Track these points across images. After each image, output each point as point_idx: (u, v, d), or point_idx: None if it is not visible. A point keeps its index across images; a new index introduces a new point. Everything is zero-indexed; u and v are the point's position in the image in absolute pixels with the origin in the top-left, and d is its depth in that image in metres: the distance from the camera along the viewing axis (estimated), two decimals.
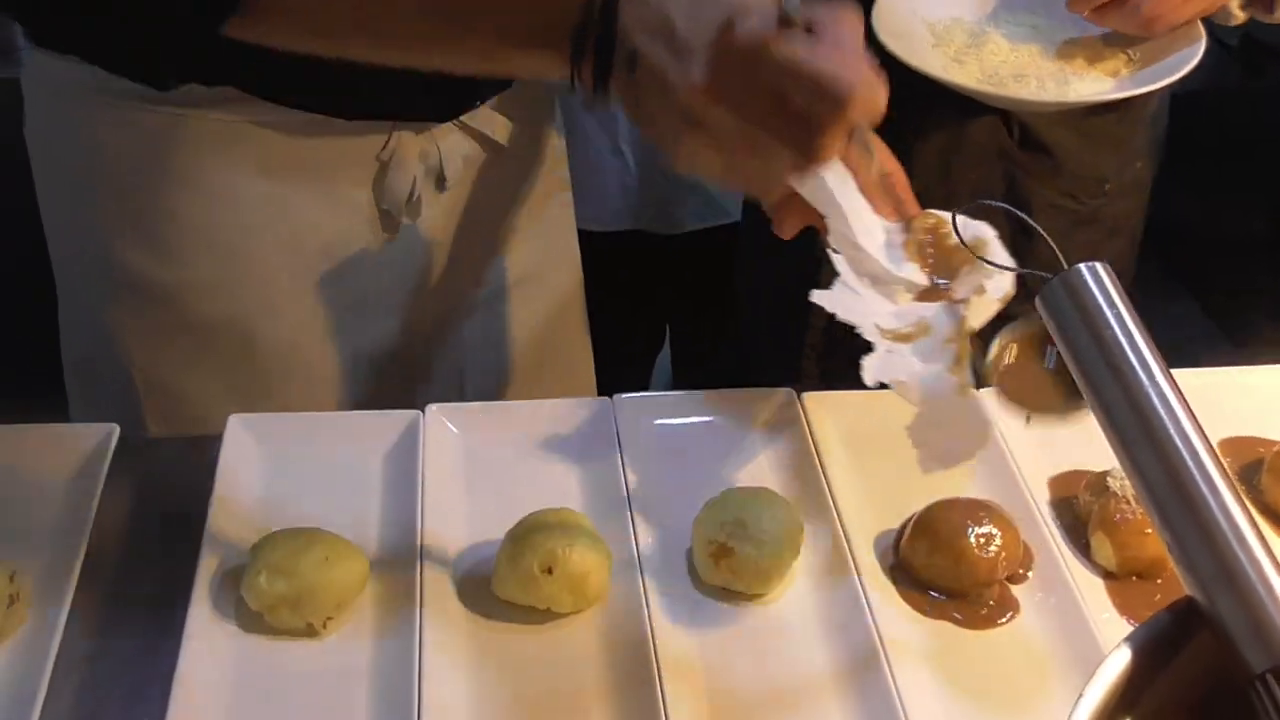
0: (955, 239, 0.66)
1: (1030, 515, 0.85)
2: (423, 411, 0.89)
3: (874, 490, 0.87)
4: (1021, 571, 0.82)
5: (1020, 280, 0.68)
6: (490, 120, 1.02)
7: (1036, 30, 1.10)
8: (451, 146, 1.00)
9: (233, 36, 0.73)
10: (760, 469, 0.89)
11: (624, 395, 0.92)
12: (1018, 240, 0.72)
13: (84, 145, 0.95)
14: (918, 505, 0.84)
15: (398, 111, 0.97)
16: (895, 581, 0.82)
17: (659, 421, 0.91)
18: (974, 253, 0.64)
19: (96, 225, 0.97)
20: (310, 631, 0.75)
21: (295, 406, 0.96)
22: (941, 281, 0.71)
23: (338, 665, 0.74)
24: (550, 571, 0.76)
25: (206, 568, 0.77)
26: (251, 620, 0.75)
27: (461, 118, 1.00)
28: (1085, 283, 0.46)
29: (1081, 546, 0.85)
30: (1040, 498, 0.88)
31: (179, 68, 0.86)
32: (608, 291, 2.02)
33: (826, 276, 0.72)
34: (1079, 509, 0.87)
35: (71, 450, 0.85)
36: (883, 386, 0.71)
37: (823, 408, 0.92)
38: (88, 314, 1.01)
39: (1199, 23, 1.06)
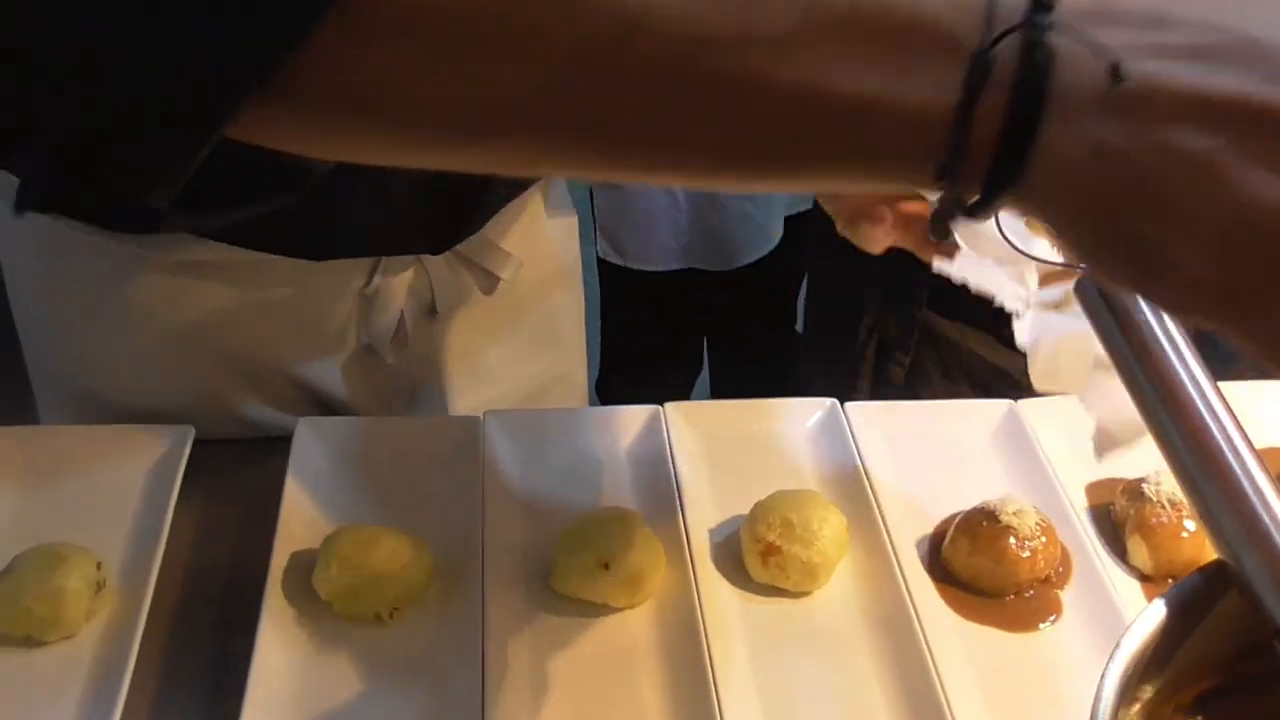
0: None
1: (1068, 520, 0.88)
2: (482, 418, 0.93)
3: (916, 495, 0.90)
4: (1060, 573, 0.85)
5: None
6: (487, 249, 0.95)
7: None
8: (444, 279, 0.95)
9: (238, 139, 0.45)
10: (806, 474, 0.92)
11: (674, 403, 0.96)
12: None
13: (51, 279, 0.91)
14: (959, 509, 0.87)
15: (381, 247, 0.91)
16: (937, 581, 0.84)
17: (708, 428, 0.95)
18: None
19: (63, 355, 0.94)
20: (378, 621, 0.79)
21: None
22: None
23: (404, 653, 0.77)
24: (607, 567, 0.79)
25: (279, 559, 0.81)
26: (321, 610, 0.79)
27: (457, 249, 0.93)
28: None
29: (1118, 550, 0.87)
30: (1078, 504, 0.90)
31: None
32: (651, 321, 2.06)
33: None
34: (1115, 514, 0.89)
35: (150, 450, 0.89)
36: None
37: (865, 417, 0.96)
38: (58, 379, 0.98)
39: None
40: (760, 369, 2.13)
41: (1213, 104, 0.37)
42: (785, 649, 0.79)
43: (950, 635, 0.80)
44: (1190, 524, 0.85)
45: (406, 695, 0.75)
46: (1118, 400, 0.60)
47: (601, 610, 0.80)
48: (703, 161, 0.43)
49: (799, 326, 1.85)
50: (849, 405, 0.96)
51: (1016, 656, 0.80)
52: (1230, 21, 0.38)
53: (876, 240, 0.71)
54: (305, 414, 0.93)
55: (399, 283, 0.92)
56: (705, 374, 2.20)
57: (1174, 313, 0.42)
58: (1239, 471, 0.45)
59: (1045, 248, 0.64)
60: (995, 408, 0.98)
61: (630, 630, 0.80)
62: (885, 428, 0.96)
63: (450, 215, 0.90)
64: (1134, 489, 0.88)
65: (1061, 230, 0.40)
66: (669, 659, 0.78)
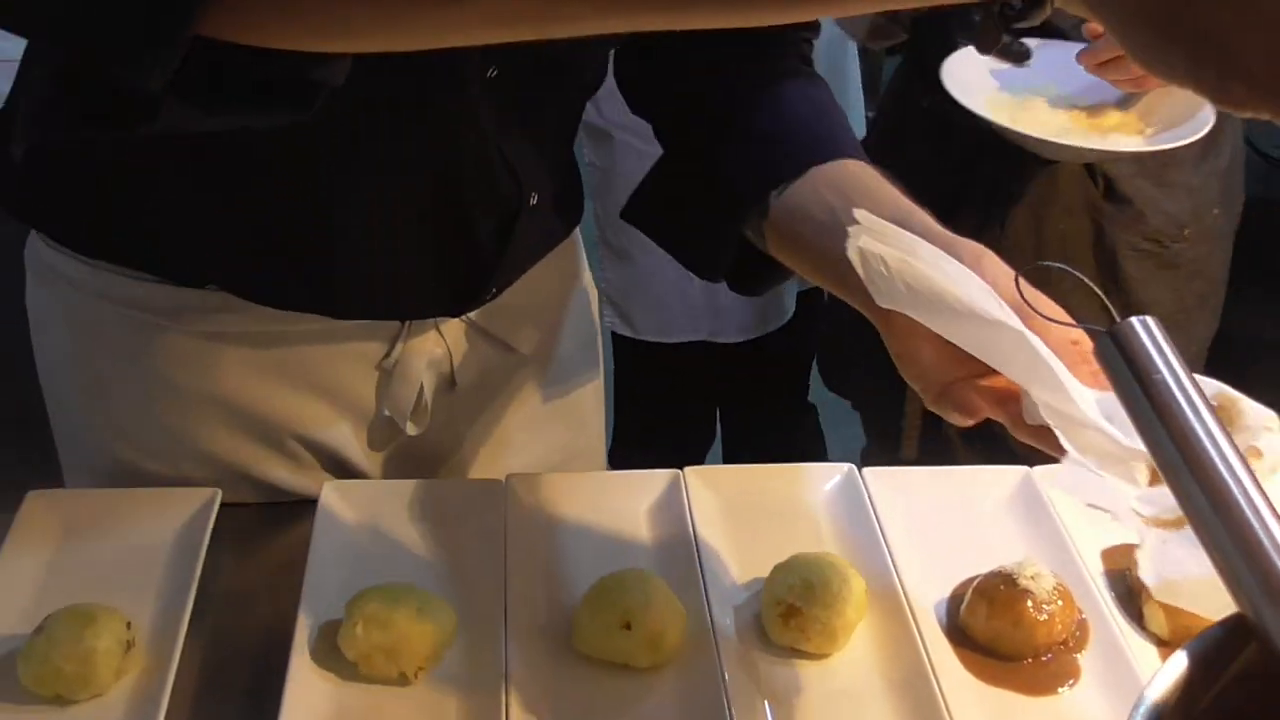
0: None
1: (1084, 584, 0.88)
2: (504, 481, 0.95)
3: (933, 559, 0.91)
4: (1078, 637, 0.86)
5: None
6: (507, 323, 0.98)
7: (1070, 99, 1.33)
8: (464, 352, 0.96)
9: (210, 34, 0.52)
10: (824, 537, 0.93)
11: (693, 468, 0.97)
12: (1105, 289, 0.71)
13: (78, 346, 0.93)
14: (976, 573, 0.88)
15: (402, 309, 0.92)
16: (955, 644, 0.85)
17: (727, 492, 0.96)
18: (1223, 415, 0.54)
19: (87, 420, 0.96)
20: (403, 680, 0.79)
21: None
22: None
23: (429, 712, 0.78)
24: (629, 627, 0.80)
25: (305, 620, 0.82)
26: (347, 669, 0.80)
27: (474, 317, 0.95)
28: (1135, 334, 0.51)
29: (1135, 616, 0.88)
30: (1094, 569, 0.91)
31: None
32: (663, 392, 2.08)
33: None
34: (1131, 580, 0.90)
35: (177, 512, 0.90)
36: None
37: (882, 482, 0.97)
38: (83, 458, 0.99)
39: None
40: (773, 439, 2.14)
41: None
42: (806, 710, 0.80)
43: (969, 698, 0.81)
44: (1110, 514, 0.86)
45: None
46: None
47: (623, 671, 0.81)
48: None
49: (810, 397, 1.88)
50: (866, 471, 0.98)
51: (1037, 718, 0.81)
52: None
53: (964, 419, 0.70)
54: (327, 480, 0.94)
55: (419, 355, 0.94)
56: (718, 445, 2.21)
57: (1236, 106, 0.42)
58: (1257, 527, 0.46)
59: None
60: (1011, 474, 0.99)
61: (652, 691, 0.80)
62: (902, 493, 0.97)
63: (470, 276, 0.92)
64: None
65: (1119, 29, 0.42)
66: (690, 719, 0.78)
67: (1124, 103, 1.33)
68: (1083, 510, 0.96)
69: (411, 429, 0.96)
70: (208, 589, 0.85)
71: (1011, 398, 0.67)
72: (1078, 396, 0.60)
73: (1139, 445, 0.57)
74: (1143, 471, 0.62)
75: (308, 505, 0.92)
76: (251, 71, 0.55)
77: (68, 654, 0.76)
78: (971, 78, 1.31)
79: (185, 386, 0.92)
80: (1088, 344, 0.62)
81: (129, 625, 0.79)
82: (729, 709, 0.78)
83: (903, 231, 0.67)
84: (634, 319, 1.98)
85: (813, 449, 2.18)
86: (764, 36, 0.89)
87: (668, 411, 2.13)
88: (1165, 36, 0.41)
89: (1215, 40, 0.40)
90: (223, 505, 0.91)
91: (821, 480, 0.98)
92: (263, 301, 0.88)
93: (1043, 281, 0.60)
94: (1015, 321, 0.61)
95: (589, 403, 1.11)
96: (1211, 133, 1.27)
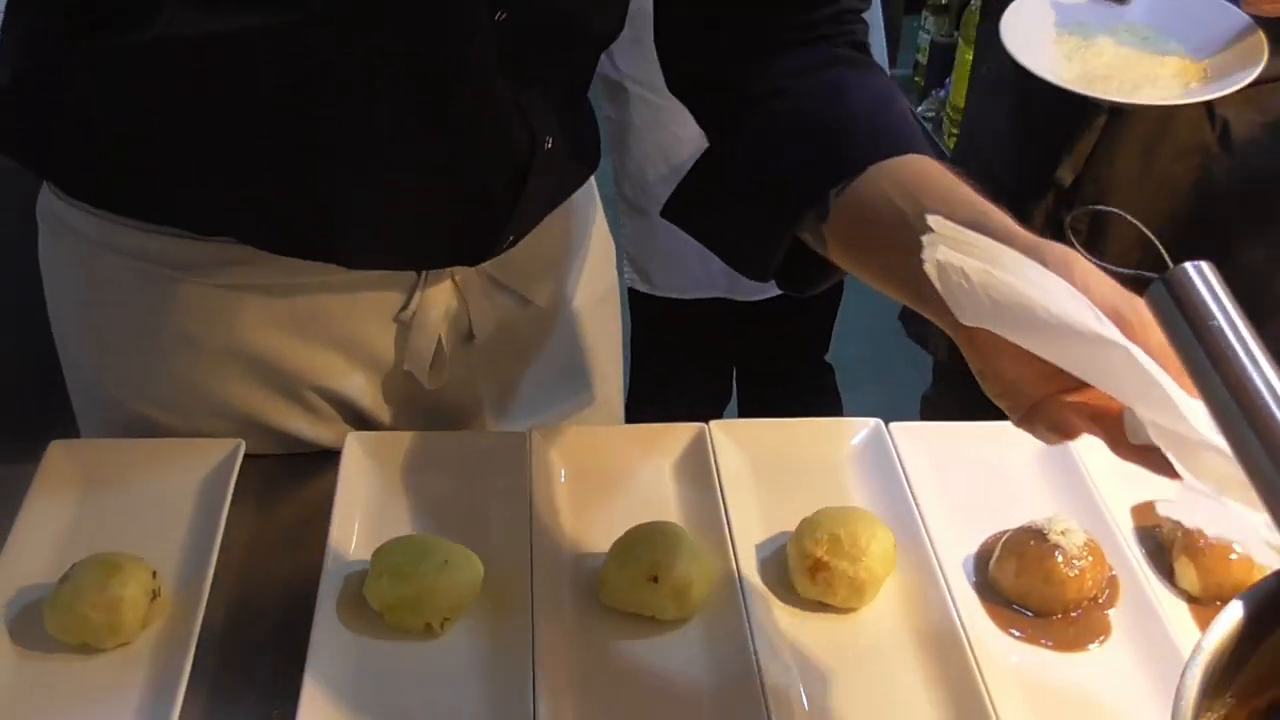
0: None
1: (1115, 541, 0.88)
2: (528, 433, 0.94)
3: (961, 514, 0.90)
4: (1108, 594, 0.85)
5: None
6: (523, 274, 0.97)
7: (1144, 40, 1.28)
8: (480, 304, 0.95)
9: None
10: (851, 492, 0.92)
11: (719, 421, 0.96)
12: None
13: (90, 304, 0.93)
14: (1004, 528, 0.87)
15: (423, 258, 0.91)
16: (984, 600, 0.84)
17: (753, 447, 0.95)
18: None
19: (100, 375, 0.95)
20: (429, 632, 0.79)
21: None
22: None
23: (455, 663, 0.78)
24: (656, 580, 0.80)
25: (330, 570, 0.82)
26: (373, 620, 0.80)
27: (490, 269, 0.94)
28: (1190, 280, 0.49)
29: (1165, 572, 0.87)
30: (1124, 526, 0.90)
31: None
32: (680, 350, 2.07)
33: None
34: (1161, 536, 0.89)
35: (201, 462, 0.90)
36: None
37: (910, 437, 0.96)
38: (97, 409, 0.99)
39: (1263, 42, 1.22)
40: (790, 399, 2.13)
41: None
42: (833, 664, 0.80)
43: (998, 654, 0.80)
44: (1239, 546, 0.85)
45: (458, 704, 0.75)
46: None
47: (650, 623, 0.81)
48: None
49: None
50: (894, 425, 0.97)
51: (1066, 676, 0.80)
52: None
53: (1054, 437, 0.63)
54: (347, 431, 0.94)
55: (436, 307, 0.93)
56: (734, 405, 2.20)
57: None
58: None
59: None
60: None
61: (678, 643, 0.80)
62: (930, 448, 0.96)
63: (484, 224, 0.91)
64: None
65: None
66: (717, 673, 0.78)
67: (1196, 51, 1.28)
68: (1112, 467, 0.94)
69: (429, 382, 0.96)
70: (231, 539, 0.85)
71: (1110, 414, 0.60)
72: (1190, 415, 0.54)
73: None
74: None
75: (329, 457, 0.92)
76: None
77: (94, 602, 0.76)
78: (1031, 32, 1.26)
79: (200, 339, 0.91)
80: None
81: (154, 574, 0.79)
82: (756, 661, 0.77)
83: (982, 238, 0.61)
84: (651, 275, 1.96)
85: (830, 409, 2.17)
86: (814, 18, 0.83)
87: (684, 369, 2.12)
88: None
89: None
90: (246, 457, 0.90)
91: (848, 435, 0.97)
92: (276, 251, 0.87)
93: (1102, 228, 0.58)
94: (1115, 334, 0.56)
95: (607, 357, 1.10)
96: None
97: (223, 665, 0.78)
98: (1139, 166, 1.30)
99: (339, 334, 0.92)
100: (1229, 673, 0.44)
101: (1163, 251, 0.51)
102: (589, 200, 1.05)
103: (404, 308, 0.92)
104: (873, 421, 0.97)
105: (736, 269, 0.84)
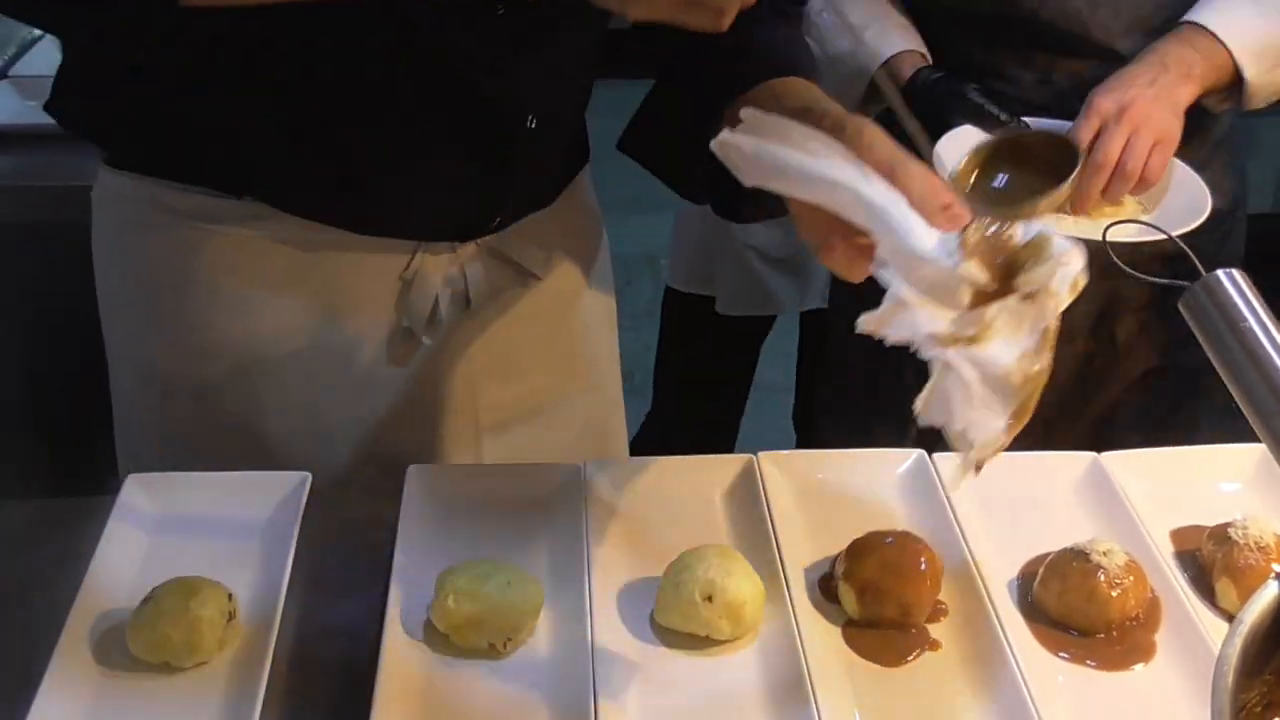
0: (1016, 240, 0.65)
1: (1155, 563, 0.90)
2: (583, 466, 0.98)
3: (1005, 539, 0.93)
4: (1151, 614, 0.87)
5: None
6: (520, 246, 1.03)
7: None
8: (477, 270, 1.01)
9: None
10: (897, 518, 0.95)
11: (767, 453, 0.99)
12: None
13: (132, 256, 1.02)
14: (1046, 550, 0.89)
15: (419, 230, 0.98)
16: (1029, 620, 0.87)
17: (800, 476, 0.98)
18: (1034, 251, 0.65)
19: (138, 329, 1.03)
20: (492, 651, 0.82)
21: None
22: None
23: (518, 681, 0.81)
24: (711, 599, 0.82)
25: (397, 593, 0.85)
26: (438, 641, 0.83)
27: (489, 240, 1.01)
28: (1223, 286, 0.53)
29: (1206, 594, 0.89)
30: (1164, 550, 0.93)
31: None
32: (696, 363, 2.14)
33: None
34: (1202, 559, 0.91)
35: (270, 492, 0.94)
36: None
37: (952, 466, 0.99)
38: (134, 411, 1.06)
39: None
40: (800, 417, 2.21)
41: None
42: (884, 681, 0.82)
43: (1045, 672, 0.83)
44: (1278, 565, 0.87)
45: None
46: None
47: (705, 643, 0.83)
48: None
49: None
50: (937, 455, 1.00)
51: (1112, 695, 0.82)
52: None
53: (841, 259, 0.76)
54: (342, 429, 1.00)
55: (435, 270, 1.00)
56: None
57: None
58: None
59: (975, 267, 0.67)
60: (1080, 459, 1.01)
61: (733, 662, 0.83)
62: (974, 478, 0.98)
63: (479, 206, 0.99)
64: (1220, 533, 0.90)
65: None
66: (771, 689, 0.81)
67: None
68: (1152, 494, 0.97)
69: (427, 337, 1.01)
70: (300, 564, 0.88)
71: (871, 249, 0.73)
72: (916, 233, 0.68)
73: (966, 273, 0.67)
74: (966, 294, 0.68)
75: (394, 488, 0.95)
76: None
77: (175, 622, 0.79)
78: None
79: (222, 284, 0.98)
80: (943, 188, 0.71)
81: (230, 596, 0.83)
82: (809, 678, 0.80)
83: (779, 120, 0.74)
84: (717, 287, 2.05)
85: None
86: None
87: (699, 379, 2.21)
88: None
89: None
90: (313, 486, 0.94)
91: (894, 465, 1.00)
92: (291, 210, 0.96)
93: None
94: (856, 176, 0.71)
95: (602, 334, 1.15)
96: None
97: (295, 683, 0.81)
98: None
99: (346, 288, 0.99)
100: (1266, 651, 0.47)
101: (1195, 262, 0.54)
102: (584, 178, 1.13)
103: (405, 268, 0.99)
104: (916, 452, 1.00)
105: (675, 188, 1.02)
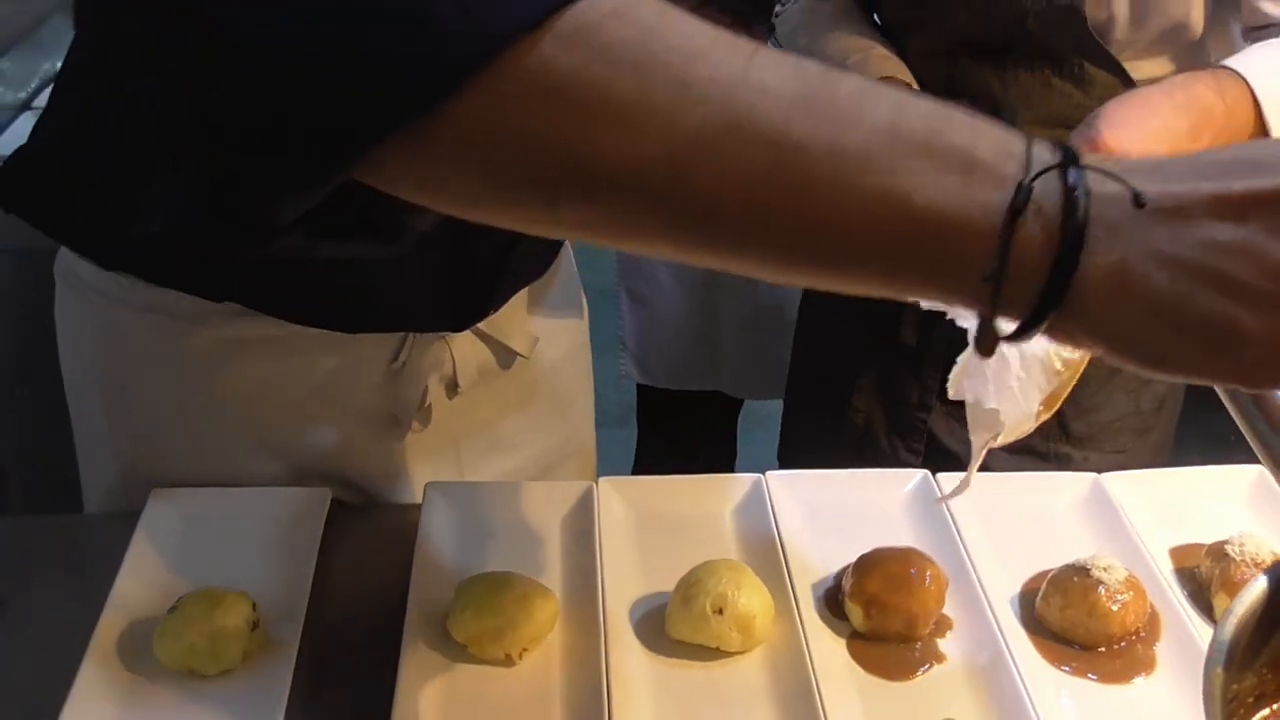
0: None
1: (1155, 580, 0.92)
2: (595, 484, 1.00)
3: (1007, 556, 0.95)
4: (1151, 629, 0.89)
5: None
6: (507, 327, 1.02)
7: None
8: (466, 355, 1.00)
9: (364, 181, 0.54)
10: (902, 536, 0.97)
11: (775, 473, 1.02)
12: None
13: (104, 345, 0.98)
14: (1047, 566, 0.92)
15: (409, 324, 0.97)
16: (1031, 634, 0.89)
17: (807, 495, 1.01)
18: None
19: (109, 418, 0.99)
20: (508, 661, 0.84)
21: None
22: None
23: (533, 691, 0.83)
24: (721, 612, 0.85)
25: (415, 606, 0.88)
26: (455, 651, 0.85)
27: (480, 325, 1.00)
28: None
29: (1204, 609, 0.91)
30: (1163, 568, 0.95)
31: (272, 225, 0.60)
32: (682, 442, 2.12)
33: None
34: (1200, 576, 0.94)
35: (292, 508, 0.96)
36: None
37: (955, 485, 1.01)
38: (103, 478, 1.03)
39: None
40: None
41: (1232, 199, 0.46)
42: (890, 692, 0.84)
43: (1048, 684, 0.85)
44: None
45: None
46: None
47: (715, 655, 0.86)
48: (783, 248, 0.51)
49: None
50: (940, 475, 1.02)
51: (1114, 708, 0.84)
52: (1222, 156, 0.48)
53: None
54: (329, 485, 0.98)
55: (425, 359, 0.99)
56: None
57: (1256, 385, 0.48)
58: None
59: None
60: (1081, 480, 1.03)
61: (742, 674, 0.85)
62: (975, 497, 1.00)
63: (471, 295, 0.98)
64: (1218, 551, 0.92)
65: (1119, 342, 0.48)
66: (780, 700, 0.83)
67: None
68: (1151, 512, 0.99)
69: (416, 428, 1.01)
70: (321, 578, 0.91)
71: None
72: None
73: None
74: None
75: (411, 507, 0.98)
76: (358, 211, 0.58)
77: (200, 630, 0.82)
78: None
79: (204, 386, 0.96)
80: None
81: (254, 607, 0.85)
82: (818, 690, 0.82)
83: None
84: (649, 365, 2.00)
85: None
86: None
87: (686, 458, 2.15)
88: (1174, 335, 0.46)
89: (1226, 327, 0.46)
90: (334, 503, 0.97)
91: (899, 484, 1.02)
92: (277, 315, 0.93)
93: None
94: None
95: (581, 405, 1.16)
96: None
97: (317, 692, 0.84)
98: None
99: (332, 381, 0.97)
100: (1256, 644, 0.49)
101: None
102: (567, 263, 1.13)
103: (394, 359, 0.98)
104: (920, 473, 1.03)
105: None
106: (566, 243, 1.11)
